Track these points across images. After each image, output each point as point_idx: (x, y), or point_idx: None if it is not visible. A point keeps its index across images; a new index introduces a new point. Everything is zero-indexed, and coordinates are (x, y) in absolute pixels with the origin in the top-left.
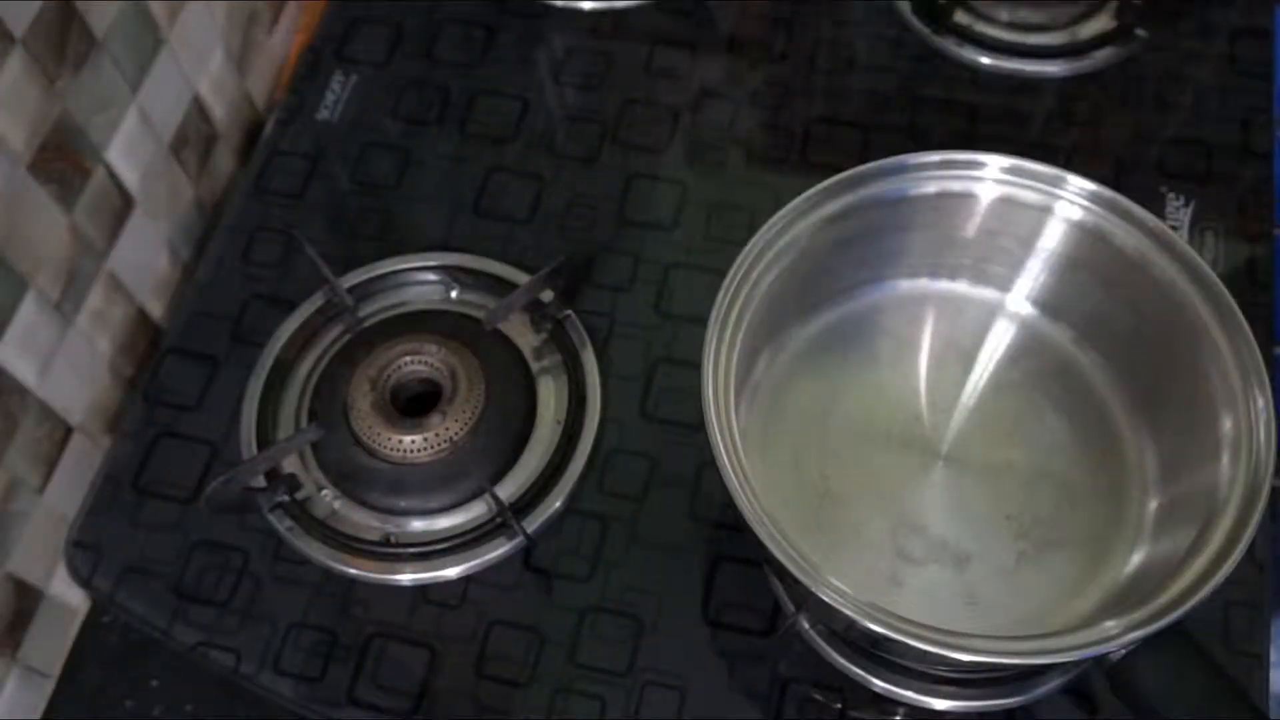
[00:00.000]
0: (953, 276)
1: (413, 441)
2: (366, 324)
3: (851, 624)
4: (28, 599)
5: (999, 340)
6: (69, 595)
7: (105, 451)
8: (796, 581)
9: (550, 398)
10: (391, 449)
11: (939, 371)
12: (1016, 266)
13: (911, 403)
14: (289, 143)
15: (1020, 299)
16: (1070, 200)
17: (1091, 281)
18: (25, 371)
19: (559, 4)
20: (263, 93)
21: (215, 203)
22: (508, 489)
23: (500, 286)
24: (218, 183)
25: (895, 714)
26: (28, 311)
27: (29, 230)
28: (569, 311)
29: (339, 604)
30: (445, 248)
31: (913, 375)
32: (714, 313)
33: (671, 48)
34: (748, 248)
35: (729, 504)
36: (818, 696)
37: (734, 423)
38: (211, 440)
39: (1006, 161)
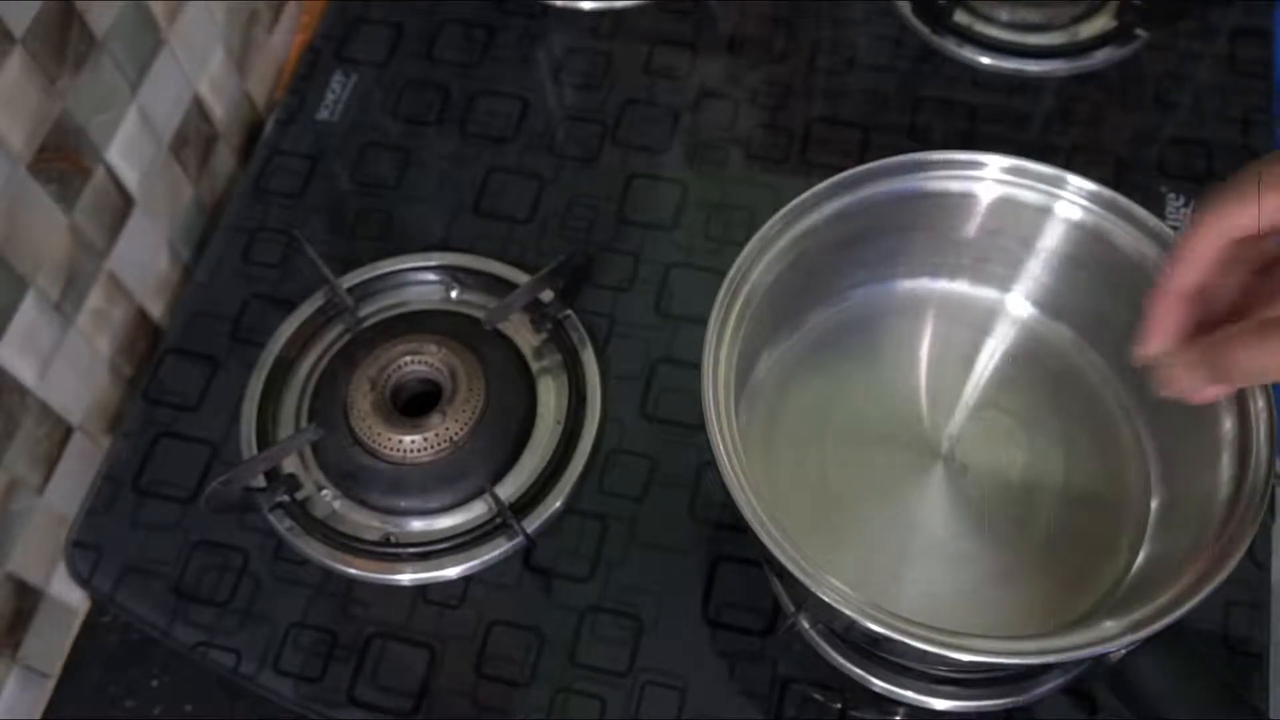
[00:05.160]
0: (953, 276)
1: (413, 441)
2: (366, 324)
3: (851, 624)
4: (28, 599)
5: (999, 340)
6: (69, 595)
7: (105, 451)
8: (796, 581)
9: (550, 398)
10: (391, 449)
11: (939, 371)
12: (1016, 266)
13: (911, 403)
14: (289, 143)
15: (1020, 299)
16: (1070, 200)
17: (1091, 281)
18: (25, 371)
19: (559, 4)
20: (263, 93)
21: (215, 203)
22: (508, 489)
23: (500, 286)
24: (218, 183)
25: (895, 714)
26: (28, 311)
27: (29, 230)
28: (569, 311)
29: (339, 604)
30: (445, 248)
31: (913, 375)
32: (714, 313)
33: (671, 48)
34: (748, 248)
35: (729, 504)
36: (818, 696)
37: (734, 423)
38: (211, 440)
39: (1006, 161)
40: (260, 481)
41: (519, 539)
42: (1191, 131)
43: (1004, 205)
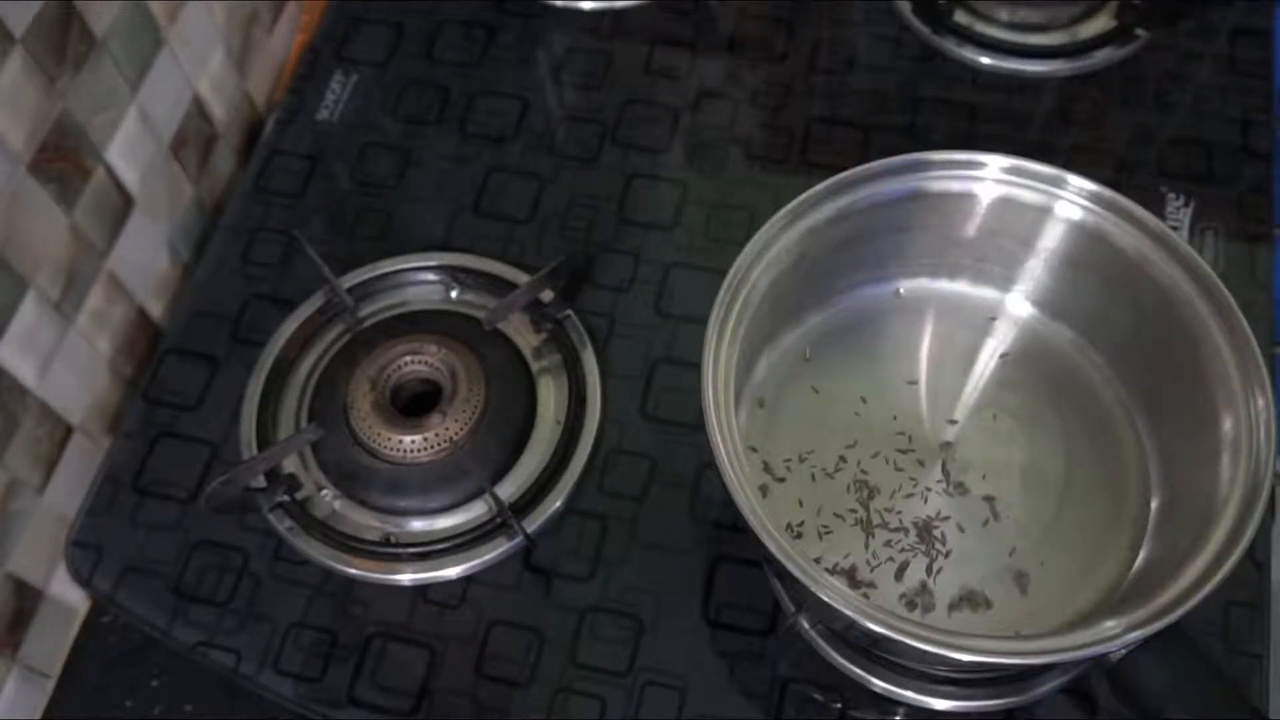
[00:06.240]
0: (953, 276)
1: (413, 441)
2: (366, 324)
3: (851, 624)
4: (28, 599)
5: (999, 340)
6: (69, 595)
7: (105, 451)
8: (796, 581)
9: (550, 398)
10: (391, 449)
11: (939, 371)
12: (1016, 266)
13: (911, 403)
14: (289, 143)
15: (1020, 299)
16: (1070, 200)
17: (1091, 281)
18: (25, 371)
19: (559, 4)
20: (263, 93)
21: (215, 203)
22: (508, 489)
23: (500, 286)
24: (218, 183)
25: (895, 714)
26: (28, 311)
27: (29, 230)
28: (569, 311)
29: (339, 604)
30: (445, 248)
31: (913, 375)
32: (714, 313)
33: (671, 48)
34: (748, 248)
35: (729, 504)
36: (818, 696)
37: (734, 423)
38: (211, 440)
39: (1006, 161)
40: (260, 481)
41: (519, 539)
42: (1191, 131)
43: (1004, 205)
